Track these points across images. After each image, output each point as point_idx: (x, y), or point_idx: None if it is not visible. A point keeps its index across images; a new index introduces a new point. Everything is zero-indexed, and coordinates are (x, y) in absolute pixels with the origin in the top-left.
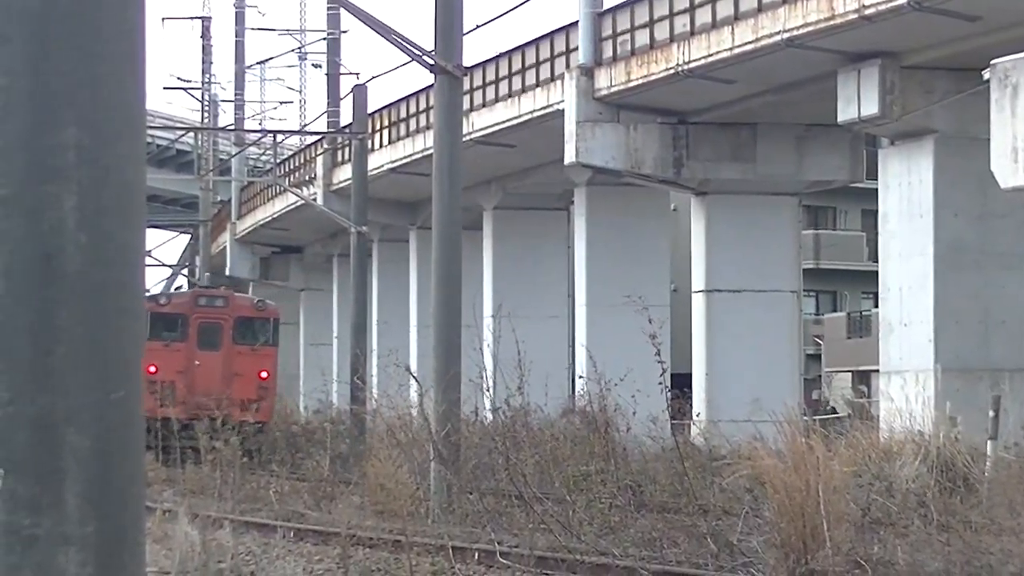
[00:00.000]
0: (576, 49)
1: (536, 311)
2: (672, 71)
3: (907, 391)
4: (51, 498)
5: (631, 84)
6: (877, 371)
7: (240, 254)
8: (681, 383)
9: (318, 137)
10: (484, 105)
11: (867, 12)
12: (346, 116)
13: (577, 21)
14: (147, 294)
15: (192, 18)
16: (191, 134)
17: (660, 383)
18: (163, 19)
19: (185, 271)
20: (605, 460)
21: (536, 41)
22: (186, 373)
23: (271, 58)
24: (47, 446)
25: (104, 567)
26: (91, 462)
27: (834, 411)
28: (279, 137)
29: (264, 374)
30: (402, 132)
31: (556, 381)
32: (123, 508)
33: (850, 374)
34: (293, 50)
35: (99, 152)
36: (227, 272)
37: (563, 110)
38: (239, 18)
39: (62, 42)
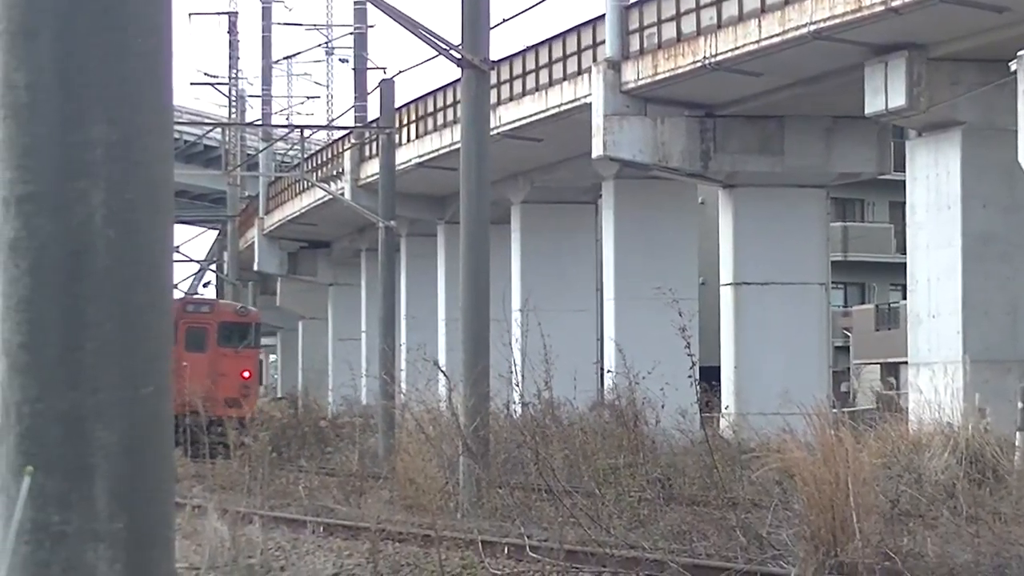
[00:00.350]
0: (603, 43)
1: (564, 305)
2: (699, 64)
3: (936, 383)
4: (80, 494)
5: (658, 77)
6: (906, 363)
7: (268, 249)
8: (709, 376)
9: (345, 132)
10: (511, 99)
11: (894, 4)
12: (373, 111)
13: (604, 14)
14: None
15: (219, 14)
16: (219, 129)
17: (689, 376)
18: (190, 15)
19: (213, 266)
20: (634, 453)
21: (563, 35)
22: (174, 374)
23: (298, 53)
24: (76, 442)
25: (133, 563)
26: (120, 458)
27: (845, 402)
28: (306, 132)
29: (246, 374)
30: (429, 126)
31: (584, 375)
32: (152, 504)
33: (878, 366)
34: (320, 45)
35: (127, 148)
36: (255, 267)
37: (590, 104)
38: (266, 13)
39: (89, 38)
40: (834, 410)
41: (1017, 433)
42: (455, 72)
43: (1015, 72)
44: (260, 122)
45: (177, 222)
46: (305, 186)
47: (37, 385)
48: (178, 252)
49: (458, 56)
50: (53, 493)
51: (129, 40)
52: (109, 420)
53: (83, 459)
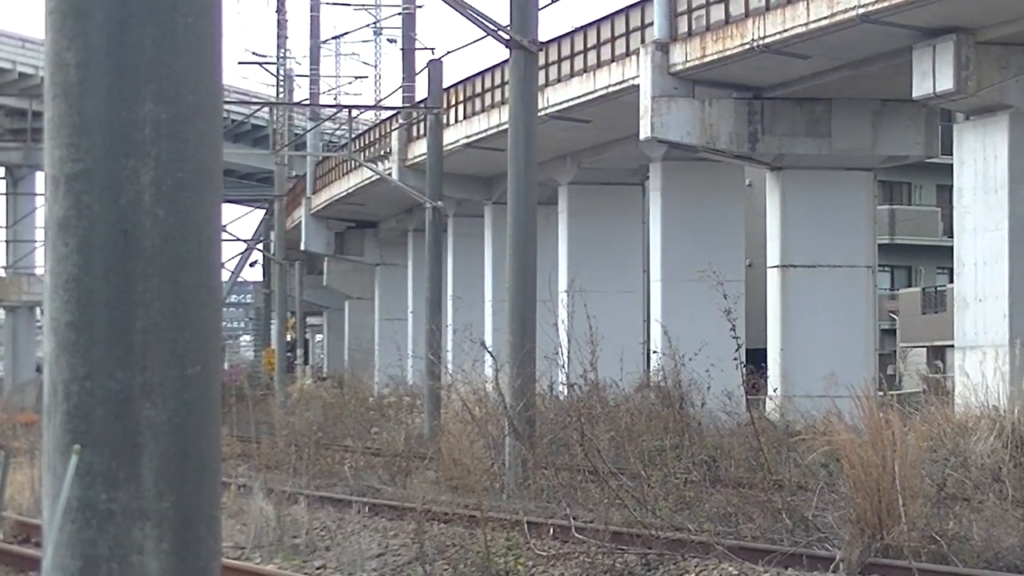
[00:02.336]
0: (651, 24)
1: (611, 286)
2: (747, 46)
3: (983, 366)
4: (128, 473)
5: (706, 59)
6: (952, 346)
7: (315, 229)
8: (756, 358)
9: (393, 112)
10: (559, 80)
11: None
12: (421, 91)
13: None
14: None
15: None
16: (266, 109)
17: (735, 358)
18: None
19: (260, 246)
20: (680, 435)
21: (611, 16)
22: None
23: (346, 33)
24: (124, 421)
25: (180, 542)
26: (168, 437)
27: (891, 385)
28: (354, 112)
29: None
30: (477, 107)
31: (631, 356)
32: (199, 483)
33: (925, 349)
34: (368, 25)
35: (176, 127)
36: (302, 247)
37: (638, 85)
38: None
39: (140, 18)
40: (880, 393)
41: None
42: (503, 53)
43: None
44: (308, 102)
45: (225, 201)
46: (352, 166)
47: (85, 364)
48: (225, 231)
49: (506, 37)
50: (100, 472)
51: (179, 19)
52: (157, 399)
53: (131, 438)
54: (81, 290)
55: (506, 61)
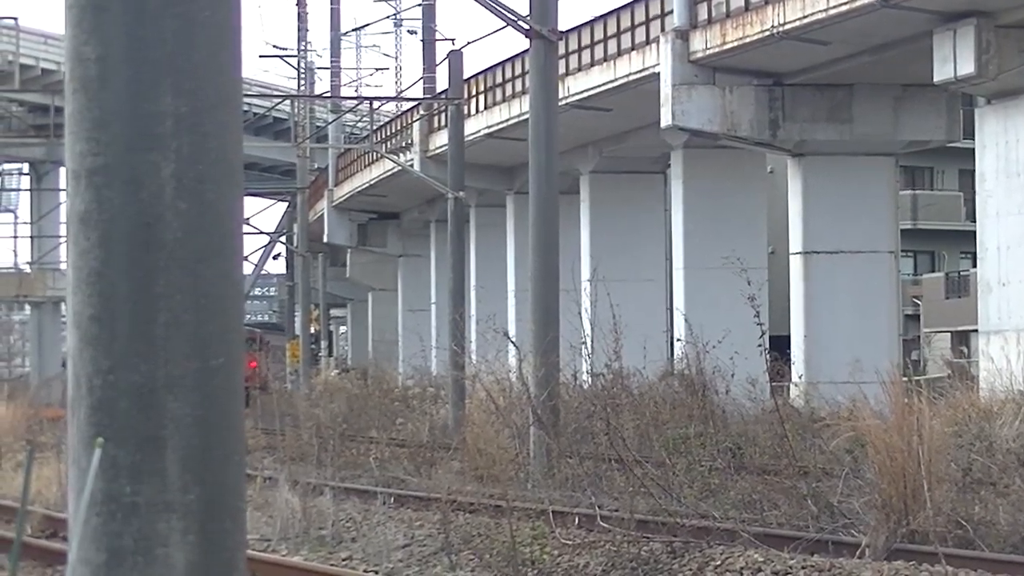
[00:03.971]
0: (671, 12)
1: (633, 274)
2: (767, 33)
3: (1007, 351)
4: (152, 466)
5: (726, 46)
6: (976, 331)
7: (338, 221)
8: (780, 345)
9: (414, 103)
10: (580, 69)
11: None
12: (442, 82)
13: None
14: None
15: None
16: (288, 102)
17: (759, 345)
18: None
19: (283, 238)
20: (704, 423)
21: (631, 4)
22: None
23: (366, 25)
24: (148, 414)
25: (205, 534)
26: (191, 430)
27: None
28: (375, 104)
29: (252, 364)
30: (498, 97)
31: (654, 344)
32: (224, 475)
33: (949, 334)
34: (388, 17)
35: (196, 120)
36: (325, 239)
37: (659, 73)
38: None
39: (158, 11)
40: (905, 379)
41: None
42: (523, 43)
43: None
44: (329, 94)
45: (247, 194)
46: (374, 158)
47: (108, 357)
48: (248, 224)
49: (526, 27)
50: (125, 465)
51: (197, 12)
52: (180, 392)
53: (154, 431)
54: (103, 284)
55: (526, 51)
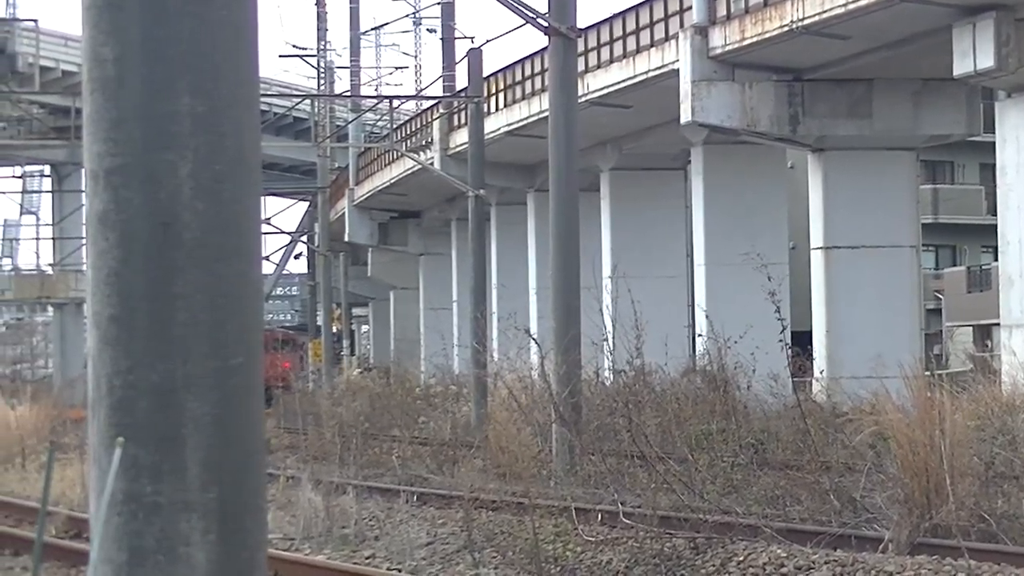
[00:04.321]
0: (690, 8)
1: (654, 271)
2: (786, 28)
3: None
4: (172, 465)
5: (745, 42)
6: (998, 325)
7: (359, 220)
8: (802, 341)
9: (434, 102)
10: (599, 66)
11: None
12: (461, 80)
13: None
14: None
15: None
16: (308, 101)
17: (780, 340)
18: None
19: (304, 238)
20: (726, 419)
21: (650, 1)
22: None
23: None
24: (167, 413)
25: (226, 533)
26: (211, 429)
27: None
28: (395, 102)
29: (286, 364)
30: (518, 95)
31: (676, 340)
32: (244, 474)
33: (971, 328)
34: (407, 15)
35: (214, 120)
36: (346, 238)
37: (678, 70)
38: None
39: (175, 12)
40: (927, 373)
41: None
42: (543, 40)
43: None
44: (349, 93)
45: (268, 194)
46: (394, 156)
47: (127, 357)
48: (269, 224)
49: (545, 24)
50: (145, 464)
51: (214, 12)
52: (199, 391)
53: (174, 430)
54: (122, 284)
55: (545, 48)
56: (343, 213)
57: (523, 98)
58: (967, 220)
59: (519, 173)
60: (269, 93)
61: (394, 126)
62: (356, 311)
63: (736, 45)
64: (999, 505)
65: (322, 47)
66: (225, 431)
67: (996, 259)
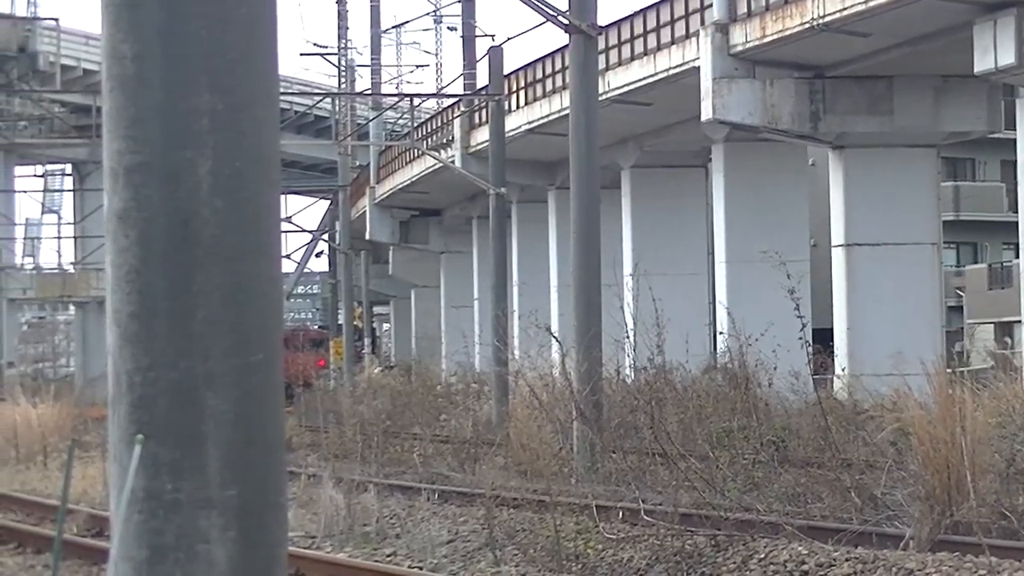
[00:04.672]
0: (711, 6)
1: (675, 268)
2: (807, 25)
3: None
4: (192, 462)
5: (766, 39)
6: (1020, 322)
7: (380, 218)
8: (823, 338)
9: (455, 100)
10: (620, 64)
11: None
12: (482, 78)
13: None
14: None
15: None
16: (329, 99)
17: (800, 338)
18: None
19: (326, 236)
20: (748, 416)
21: None
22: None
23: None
24: (187, 411)
25: (246, 530)
26: (231, 426)
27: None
28: (416, 101)
29: (321, 362)
30: (538, 93)
31: (697, 338)
32: (264, 471)
33: (992, 325)
34: (428, 13)
35: (233, 118)
36: (367, 236)
37: (699, 67)
38: None
39: (194, 8)
40: (948, 370)
41: None
42: (563, 38)
43: None
44: (370, 91)
45: (289, 192)
46: (415, 154)
47: (148, 354)
48: (290, 222)
49: (566, 22)
50: (165, 462)
51: (233, 9)
52: (220, 388)
53: (195, 427)
54: (142, 281)
55: (566, 46)
56: (364, 211)
57: (544, 96)
58: (988, 217)
59: (540, 171)
60: (290, 91)
61: (415, 124)
62: (377, 309)
63: (757, 42)
64: (1020, 502)
65: (343, 45)
66: (246, 428)
67: (1017, 256)
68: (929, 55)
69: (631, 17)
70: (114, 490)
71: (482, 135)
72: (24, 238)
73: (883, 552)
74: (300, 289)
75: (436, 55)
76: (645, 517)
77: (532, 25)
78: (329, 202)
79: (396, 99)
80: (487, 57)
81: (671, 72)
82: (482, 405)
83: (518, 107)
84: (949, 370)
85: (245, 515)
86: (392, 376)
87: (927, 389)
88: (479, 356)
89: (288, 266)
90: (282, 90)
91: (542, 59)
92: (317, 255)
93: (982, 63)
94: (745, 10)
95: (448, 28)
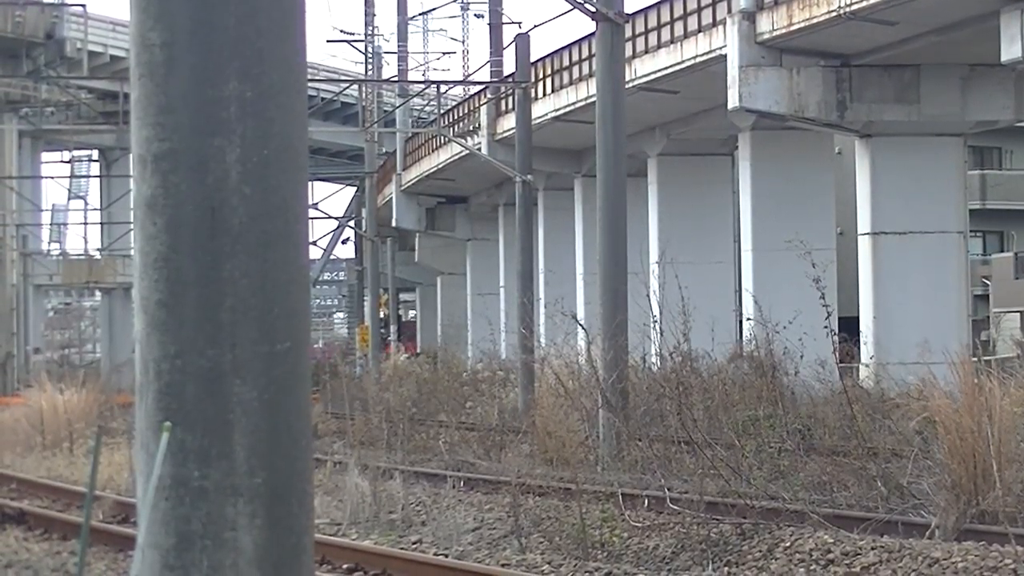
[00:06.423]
0: None
1: (702, 256)
2: (834, 13)
3: None
4: (220, 450)
5: (793, 27)
6: None
7: (406, 205)
8: (849, 326)
9: (481, 87)
10: (646, 51)
11: None
12: (509, 66)
13: None
14: None
15: None
16: (355, 86)
17: (825, 326)
18: None
19: (352, 223)
20: (773, 404)
21: None
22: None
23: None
24: (215, 398)
25: (273, 518)
26: (258, 413)
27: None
28: (442, 88)
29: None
30: (565, 80)
31: (723, 326)
32: (291, 459)
33: (1018, 314)
34: (455, 1)
35: (261, 105)
36: (393, 223)
37: (725, 55)
38: None
39: None
40: (975, 359)
41: None
42: (590, 26)
43: None
44: (396, 78)
45: (316, 179)
46: (442, 142)
47: (175, 342)
48: (317, 209)
49: (593, 9)
50: (193, 449)
51: None
52: (247, 376)
53: (222, 414)
54: (170, 269)
55: (593, 34)
56: (390, 198)
57: (571, 83)
58: (1015, 206)
59: (566, 158)
60: (317, 78)
61: (441, 111)
62: (403, 296)
63: (784, 30)
64: None
65: (370, 32)
66: (272, 416)
67: None
68: (956, 44)
69: (658, 5)
70: (141, 477)
71: (509, 122)
72: (51, 224)
73: (909, 541)
74: (326, 276)
75: (463, 42)
76: (671, 505)
77: (559, 12)
78: (356, 189)
79: (423, 86)
80: (514, 44)
81: (698, 60)
82: (508, 393)
83: (545, 95)
84: (975, 359)
85: (272, 502)
86: (418, 364)
87: (953, 378)
88: (505, 344)
89: (314, 253)
90: (309, 77)
91: (569, 46)
92: (343, 242)
93: (1009, 52)
94: None
95: (475, 15)
